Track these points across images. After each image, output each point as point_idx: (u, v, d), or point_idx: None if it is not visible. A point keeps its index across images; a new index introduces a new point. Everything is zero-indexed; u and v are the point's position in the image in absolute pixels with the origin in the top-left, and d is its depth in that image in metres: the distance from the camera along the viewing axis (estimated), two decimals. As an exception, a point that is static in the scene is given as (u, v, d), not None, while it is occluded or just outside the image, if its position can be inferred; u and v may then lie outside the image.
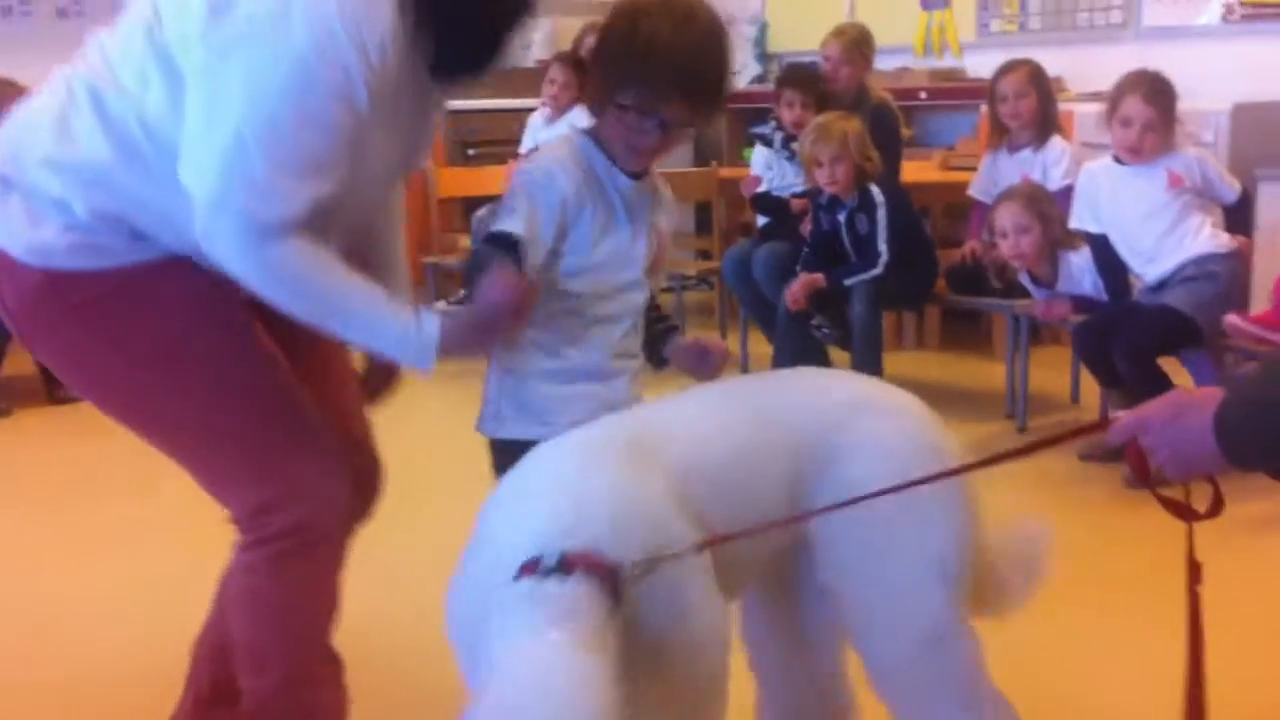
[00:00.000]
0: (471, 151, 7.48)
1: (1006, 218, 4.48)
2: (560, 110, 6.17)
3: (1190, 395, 1.64)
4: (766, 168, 5.71)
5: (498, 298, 1.99)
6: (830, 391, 2.00)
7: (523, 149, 6.37)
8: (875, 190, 4.84)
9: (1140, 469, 1.65)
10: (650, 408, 2.01)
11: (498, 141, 7.20)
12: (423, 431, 4.88)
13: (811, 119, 5.09)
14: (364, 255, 2.14)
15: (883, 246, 4.80)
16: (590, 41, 2.14)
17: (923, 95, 6.87)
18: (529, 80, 7.28)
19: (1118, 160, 4.40)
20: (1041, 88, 5.08)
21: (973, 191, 5.29)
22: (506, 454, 1.92)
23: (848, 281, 4.84)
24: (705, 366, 2.30)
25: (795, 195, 5.48)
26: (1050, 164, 5.03)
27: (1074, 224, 4.53)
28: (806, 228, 5.19)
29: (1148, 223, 4.33)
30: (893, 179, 5.18)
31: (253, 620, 2.16)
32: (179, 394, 2.08)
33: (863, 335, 4.82)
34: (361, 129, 1.95)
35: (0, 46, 5.45)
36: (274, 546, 2.09)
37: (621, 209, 2.17)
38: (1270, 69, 5.84)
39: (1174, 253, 4.30)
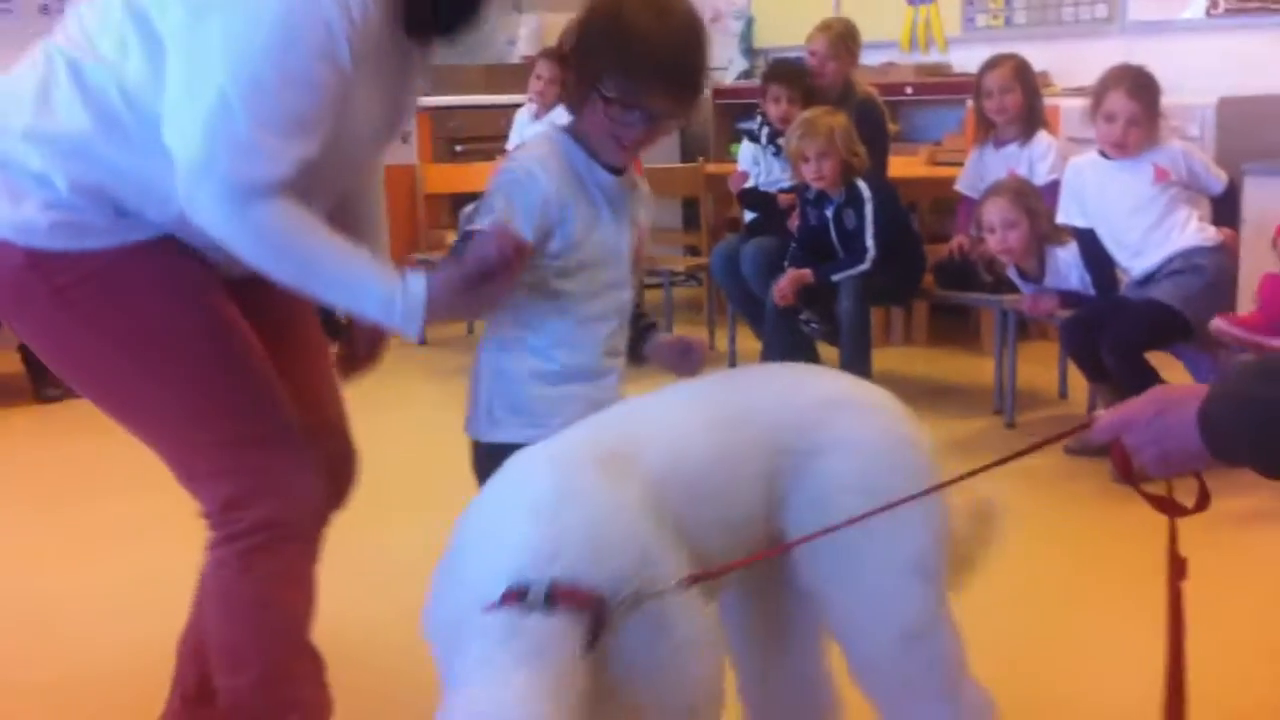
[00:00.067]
0: (458, 148, 7.47)
1: (994, 213, 4.48)
2: (547, 106, 6.16)
3: (1173, 391, 1.64)
4: (753, 163, 5.71)
5: (488, 253, 1.96)
6: (806, 388, 1.99)
7: (509, 145, 6.37)
8: (862, 185, 4.84)
9: (1124, 468, 1.65)
10: (626, 409, 2.00)
11: (484, 138, 7.20)
12: (406, 430, 4.88)
13: (798, 114, 5.09)
14: (346, 221, 2.11)
15: (870, 242, 4.80)
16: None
17: (909, 90, 6.87)
18: (515, 76, 7.29)
19: (1103, 155, 4.41)
20: (1027, 83, 5.09)
21: (960, 187, 5.29)
22: (494, 457, 1.90)
23: (835, 277, 4.84)
24: (686, 363, 2.29)
25: (782, 190, 5.48)
26: (1036, 159, 5.03)
27: (1061, 219, 4.53)
28: (794, 223, 5.19)
29: (1134, 216, 4.34)
30: (879, 174, 5.18)
31: (226, 617, 2.15)
32: (156, 380, 2.07)
33: (851, 331, 4.82)
34: (345, 87, 1.93)
35: (-17, 43, 5.73)
36: (244, 542, 2.08)
37: (604, 205, 2.16)
38: (1255, 63, 5.85)
39: (1160, 246, 4.30)
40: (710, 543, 1.82)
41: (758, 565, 1.98)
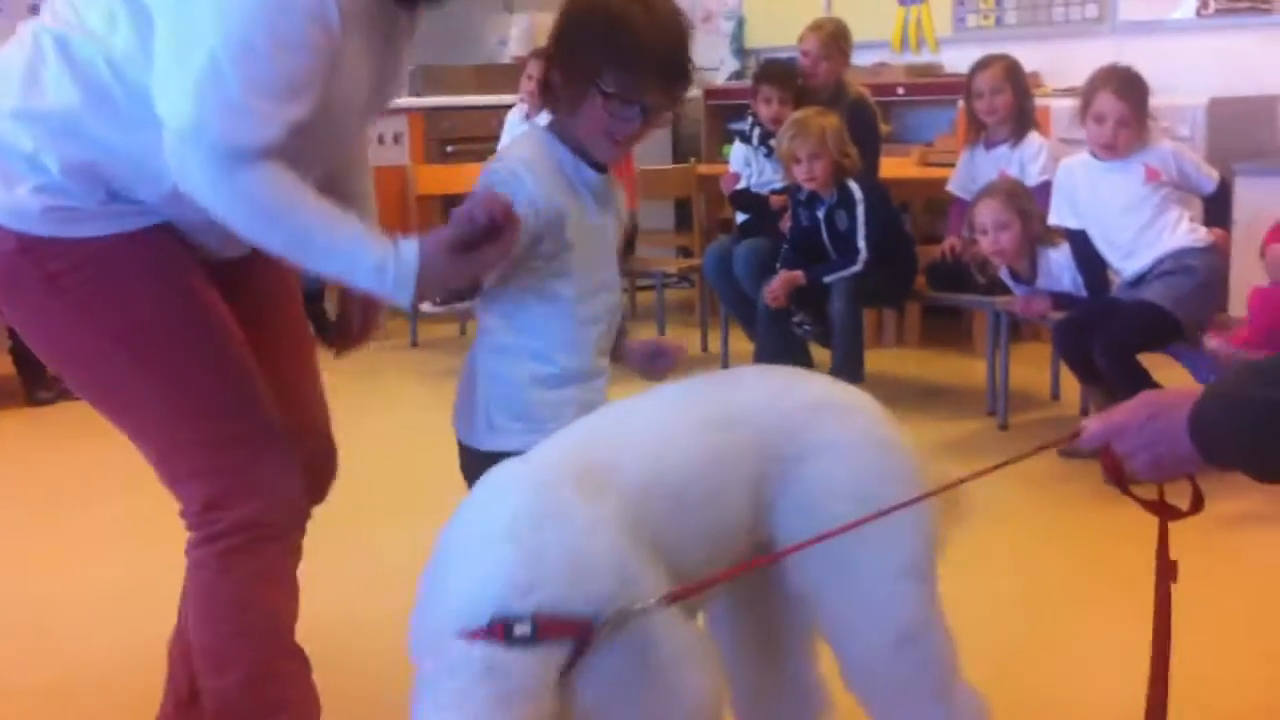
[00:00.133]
0: (450, 149, 7.47)
1: (986, 214, 4.48)
2: (539, 107, 6.15)
3: (1164, 396, 1.64)
4: (745, 164, 5.70)
5: (477, 215, 1.93)
6: (792, 391, 1.98)
7: (501, 146, 6.36)
8: (854, 186, 4.84)
9: (1116, 474, 1.65)
10: (607, 415, 1.97)
11: (476, 139, 7.19)
12: (395, 432, 4.88)
13: (789, 115, 5.09)
14: (335, 195, 2.07)
15: (862, 243, 4.80)
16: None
17: (900, 91, 6.88)
18: (507, 77, 7.28)
19: (1094, 156, 4.41)
20: (1017, 83, 5.09)
21: (951, 188, 5.30)
22: (492, 464, 1.89)
23: (827, 278, 4.84)
24: (656, 367, 2.29)
25: (774, 192, 5.47)
26: (1028, 160, 5.03)
27: (1053, 219, 4.53)
28: (786, 224, 5.19)
29: (1126, 216, 4.35)
30: (871, 175, 5.18)
31: (208, 619, 2.14)
32: (142, 373, 2.06)
33: (843, 332, 4.82)
34: (335, 50, 1.93)
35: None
36: (224, 543, 2.07)
37: (592, 202, 2.15)
38: (1245, 63, 5.87)
39: (1152, 247, 4.31)
40: (694, 553, 1.82)
41: (748, 571, 1.98)
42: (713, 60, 7.93)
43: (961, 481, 1.84)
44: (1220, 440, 1.54)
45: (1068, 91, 5.73)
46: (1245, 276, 4.26)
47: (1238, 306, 4.24)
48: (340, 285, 2.14)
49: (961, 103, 5.47)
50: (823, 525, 1.79)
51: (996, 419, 4.80)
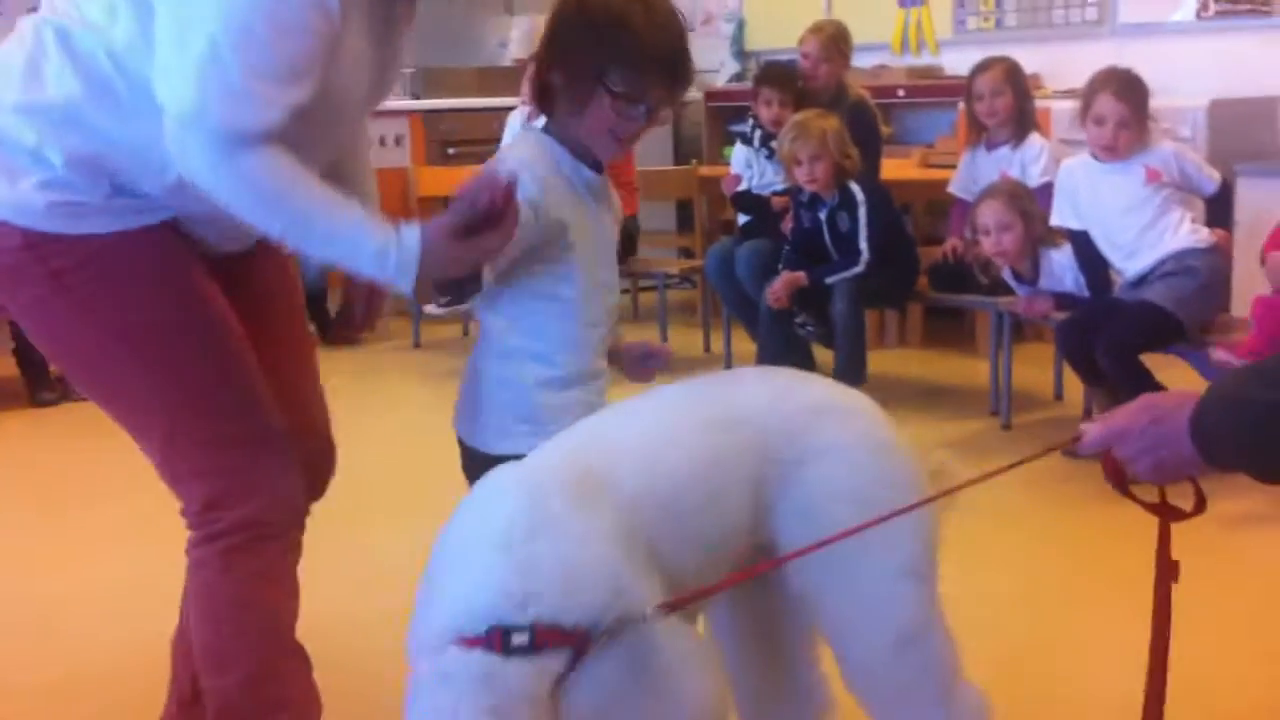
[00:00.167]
0: (451, 150, 7.47)
1: (988, 215, 4.48)
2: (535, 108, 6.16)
3: (1165, 398, 1.64)
4: (746, 166, 5.71)
5: (479, 199, 1.91)
6: (792, 394, 1.97)
7: (501, 148, 6.36)
8: (855, 188, 4.84)
9: (1118, 478, 1.65)
10: (604, 419, 1.97)
11: (477, 141, 7.19)
12: (396, 433, 4.88)
13: (789, 117, 5.09)
14: (337, 183, 2.06)
15: (864, 244, 4.81)
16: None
17: (901, 93, 6.88)
18: (508, 79, 7.28)
19: (1095, 157, 4.42)
20: (1017, 85, 5.09)
21: (953, 189, 5.30)
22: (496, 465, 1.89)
23: (829, 280, 4.84)
24: (645, 369, 2.29)
25: (776, 193, 5.47)
26: (1029, 161, 5.03)
27: (1054, 220, 4.53)
28: (788, 226, 5.19)
29: (1128, 217, 4.34)
30: (873, 177, 5.19)
31: (209, 618, 2.14)
32: (144, 373, 2.07)
33: (845, 333, 4.83)
34: (334, 35, 1.93)
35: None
36: (224, 542, 2.08)
37: (592, 203, 2.15)
38: (1245, 64, 5.87)
39: (1154, 248, 4.31)
40: (694, 555, 1.82)
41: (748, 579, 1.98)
42: (713, 62, 7.93)
43: (966, 485, 1.84)
44: (1222, 442, 1.54)
45: (1068, 93, 5.73)
46: (1247, 277, 4.26)
47: (1239, 307, 4.24)
48: (344, 274, 2.14)
49: (962, 105, 5.48)
50: (823, 528, 1.79)
51: (999, 419, 4.80)
